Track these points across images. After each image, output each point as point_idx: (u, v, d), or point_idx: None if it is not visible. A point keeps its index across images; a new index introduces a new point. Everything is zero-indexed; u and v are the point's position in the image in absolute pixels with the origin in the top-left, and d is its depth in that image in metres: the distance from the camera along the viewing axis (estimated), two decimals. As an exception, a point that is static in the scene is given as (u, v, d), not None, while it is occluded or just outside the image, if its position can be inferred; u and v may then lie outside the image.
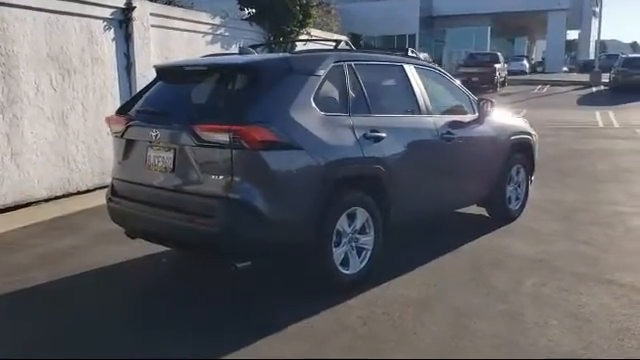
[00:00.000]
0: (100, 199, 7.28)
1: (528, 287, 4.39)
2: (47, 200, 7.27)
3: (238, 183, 3.72)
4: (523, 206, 6.41)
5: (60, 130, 7.48)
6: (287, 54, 4.25)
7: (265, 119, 3.77)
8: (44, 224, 6.27)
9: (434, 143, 4.99)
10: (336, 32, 16.25)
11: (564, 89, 28.00)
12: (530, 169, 6.45)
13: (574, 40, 67.24)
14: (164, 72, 4.63)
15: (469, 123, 5.48)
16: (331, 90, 4.30)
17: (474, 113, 5.62)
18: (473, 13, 42.50)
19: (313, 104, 4.07)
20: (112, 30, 8.23)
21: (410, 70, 5.03)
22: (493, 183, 5.81)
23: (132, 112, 4.41)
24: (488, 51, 35.38)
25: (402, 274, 4.62)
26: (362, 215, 4.33)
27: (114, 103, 8.26)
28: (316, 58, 4.32)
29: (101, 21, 8.02)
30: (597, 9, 50.22)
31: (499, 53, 30.62)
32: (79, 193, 7.75)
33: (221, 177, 3.76)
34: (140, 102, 4.47)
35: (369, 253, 4.41)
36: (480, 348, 3.43)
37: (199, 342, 3.56)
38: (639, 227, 6.01)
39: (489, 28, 44.67)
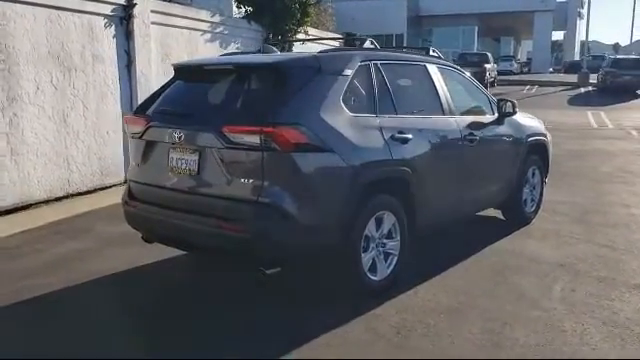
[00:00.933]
0: (102, 201, 7.22)
1: (558, 293, 4.30)
2: (47, 201, 7.05)
3: (269, 186, 3.57)
4: (538, 208, 6.34)
5: (61, 129, 7.25)
6: (315, 53, 4.10)
7: (297, 120, 3.62)
8: (47, 227, 6.06)
9: (458, 145, 4.88)
10: (331, 31, 16.13)
11: (553, 89, 28.15)
12: (545, 171, 6.38)
13: (557, 41, 67.84)
14: (184, 71, 4.46)
15: (490, 124, 5.38)
16: (358, 90, 4.16)
17: (493, 114, 5.52)
18: (460, 13, 42.60)
19: (342, 105, 3.93)
20: (113, 27, 8.01)
21: (433, 70, 4.92)
22: (512, 185, 5.72)
23: (151, 112, 4.23)
24: (478, 51, 35.49)
25: (427, 279, 4.50)
26: (389, 219, 4.21)
27: (114, 102, 8.09)
28: (344, 57, 4.19)
29: (102, 18, 7.80)
30: (582, 10, 50.75)
31: (489, 53, 30.72)
32: (79, 194, 7.53)
33: (251, 180, 3.60)
34: (159, 102, 4.29)
35: (395, 258, 4.29)
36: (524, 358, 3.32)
37: (227, 353, 3.41)
38: (657, 230, 5.95)
39: (476, 28, 44.83)
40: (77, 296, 4.32)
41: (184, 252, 4.90)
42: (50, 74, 7.07)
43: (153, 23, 8.70)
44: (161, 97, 4.34)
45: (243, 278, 4.59)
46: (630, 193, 7.72)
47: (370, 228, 4.06)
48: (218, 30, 10.52)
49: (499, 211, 6.10)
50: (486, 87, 26.59)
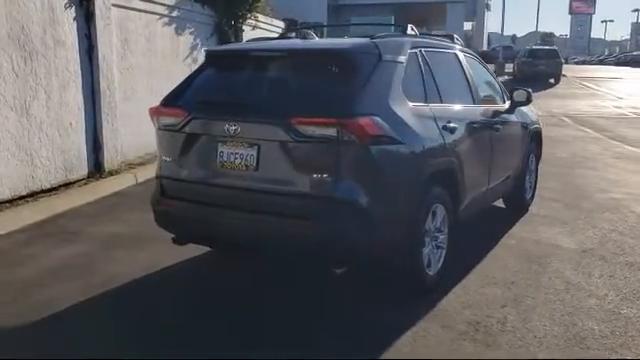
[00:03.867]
0: (75, 199, 6.64)
1: (599, 279, 4.36)
2: (11, 201, 6.35)
3: (345, 181, 3.34)
4: (533, 195, 6.46)
5: (23, 121, 6.54)
6: (369, 39, 3.87)
7: (372, 111, 3.41)
8: (31, 229, 5.43)
9: (487, 134, 4.85)
10: (273, 17, 15.74)
11: (473, 78, 29.07)
12: (538, 158, 6.51)
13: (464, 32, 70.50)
14: (221, 58, 4.10)
15: (505, 112, 5.38)
16: (412, 78, 3.98)
17: (505, 102, 5.53)
18: (378, 3, 43.23)
19: (402, 93, 3.75)
20: (73, 8, 7.32)
21: (462, 58, 4.84)
22: (519, 172, 5.77)
23: (188, 103, 3.83)
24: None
25: (468, 272, 4.44)
26: (441, 212, 4.08)
27: (77, 90, 7.42)
28: (397, 44, 4.00)
29: (62, -3, 7.11)
30: (489, 2, 52.99)
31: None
32: (43, 192, 6.84)
33: (324, 175, 3.35)
34: (197, 92, 3.90)
35: (444, 252, 4.19)
36: (612, 348, 3.32)
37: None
38: (648, 213, 6.23)
39: (392, 18, 45.60)
40: (111, 307, 3.89)
41: (204, 251, 4.57)
42: (11, 59, 6.34)
43: (114, 5, 8.06)
44: (196, 87, 3.95)
45: (281, 278, 4.32)
46: (599, 178, 8.06)
47: (428, 222, 3.92)
48: (174, 14, 9.92)
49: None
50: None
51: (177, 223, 3.94)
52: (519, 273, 4.46)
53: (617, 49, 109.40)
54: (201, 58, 10.55)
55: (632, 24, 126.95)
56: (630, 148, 10.74)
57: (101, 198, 6.69)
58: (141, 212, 6.09)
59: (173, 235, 4.07)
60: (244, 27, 12.12)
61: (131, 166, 8.31)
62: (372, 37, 3.95)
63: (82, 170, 7.55)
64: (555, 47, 29.23)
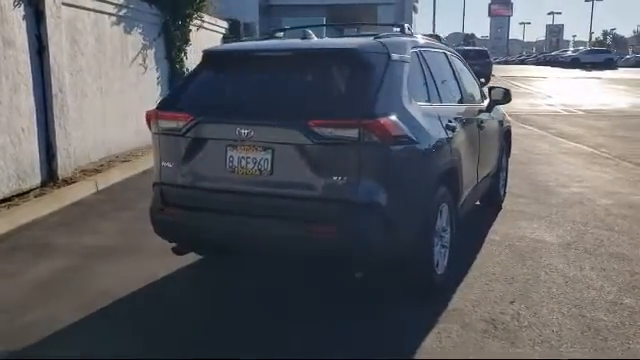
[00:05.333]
0: (37, 209, 6.21)
1: (592, 272, 4.48)
2: (-38, 214, 5.88)
3: (366, 183, 3.26)
4: (505, 192, 6.60)
5: (-26, 127, 6.09)
6: (375, 38, 3.81)
7: (389, 111, 3.35)
8: (-4, 244, 5.04)
9: (475, 132, 4.90)
10: (216, 16, 15.43)
11: (408, 78, 29.68)
12: (509, 155, 6.67)
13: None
14: (222, 59, 3.91)
15: (486, 110, 5.46)
16: (415, 78, 3.97)
17: (483, 100, 5.62)
18: (309, 4, 43.20)
19: (409, 93, 3.72)
20: (22, 7, 6.86)
21: (450, 57, 4.88)
22: (497, 169, 5.89)
23: (190, 106, 3.63)
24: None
25: (467, 269, 4.47)
26: (445, 211, 4.08)
27: (28, 94, 6.97)
28: (401, 43, 3.97)
29: (11, -5, 6.65)
30: (417, 4, 54.17)
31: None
32: (-5, 202, 6.39)
33: (345, 177, 3.25)
34: (199, 94, 3.71)
35: (448, 251, 4.19)
36: (628, 337, 3.41)
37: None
38: (613, 206, 6.48)
39: (324, 19, 45.82)
40: (119, 323, 3.65)
41: (196, 259, 4.39)
42: (-41, 61, 5.89)
43: (63, 4, 7.63)
44: (197, 89, 3.76)
45: (291, 281, 4.20)
46: (556, 173, 8.35)
47: (437, 222, 3.91)
48: (122, 13, 9.51)
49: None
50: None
51: (181, 232, 3.74)
52: (515, 268, 4.53)
53: (534, 49, 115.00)
54: (150, 59, 10.27)
55: (547, 26, 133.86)
56: (574, 144, 11.21)
57: (63, 208, 6.31)
58: (110, 222, 5.84)
59: (173, 245, 3.87)
60: (190, 27, 11.82)
61: (85, 173, 7.88)
62: (376, 36, 3.90)
63: (35, 179, 7.10)
64: (485, 48, 30.31)
